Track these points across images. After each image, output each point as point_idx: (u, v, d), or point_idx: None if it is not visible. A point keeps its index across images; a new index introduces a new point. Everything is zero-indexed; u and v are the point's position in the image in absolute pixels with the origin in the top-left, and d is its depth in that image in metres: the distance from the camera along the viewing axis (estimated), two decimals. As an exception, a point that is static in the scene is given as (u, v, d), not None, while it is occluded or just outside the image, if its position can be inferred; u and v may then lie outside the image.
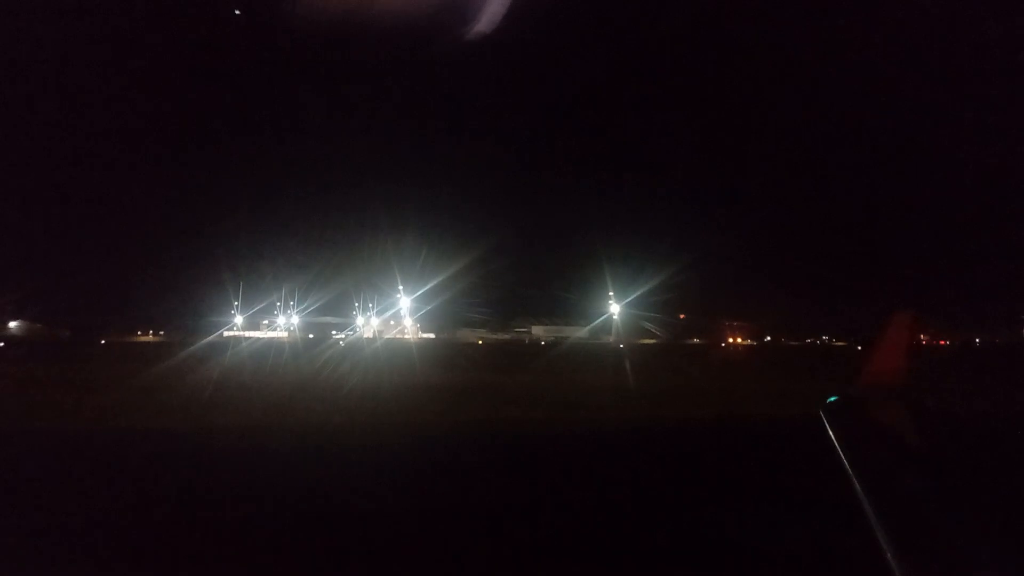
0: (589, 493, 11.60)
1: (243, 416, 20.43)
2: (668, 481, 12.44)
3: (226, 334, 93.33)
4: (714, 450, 15.79)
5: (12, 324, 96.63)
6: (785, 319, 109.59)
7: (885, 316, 5.55)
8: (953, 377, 27.48)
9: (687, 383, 35.73)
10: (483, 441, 17.12)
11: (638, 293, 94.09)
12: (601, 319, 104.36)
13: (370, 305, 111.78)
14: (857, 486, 3.61)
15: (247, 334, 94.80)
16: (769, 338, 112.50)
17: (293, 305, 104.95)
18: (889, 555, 3.01)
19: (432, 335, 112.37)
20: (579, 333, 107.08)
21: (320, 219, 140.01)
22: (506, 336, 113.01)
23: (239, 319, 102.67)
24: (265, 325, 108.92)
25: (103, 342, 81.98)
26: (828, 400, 5.08)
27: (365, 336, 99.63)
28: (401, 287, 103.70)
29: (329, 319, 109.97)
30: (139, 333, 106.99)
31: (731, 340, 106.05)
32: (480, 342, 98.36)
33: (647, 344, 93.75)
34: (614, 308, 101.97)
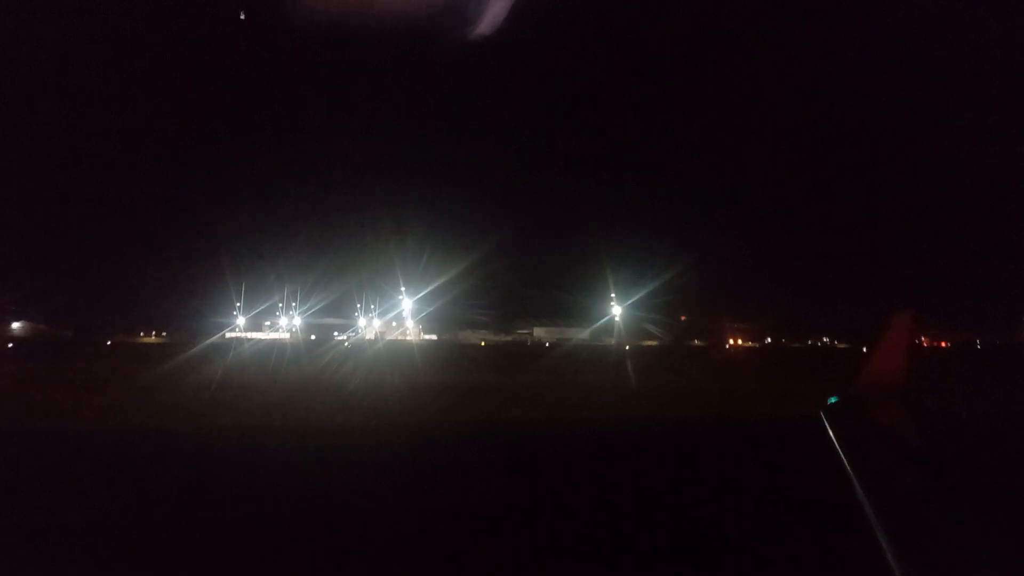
0: (589, 493, 11.60)
1: (244, 416, 20.42)
2: (668, 481, 12.43)
3: (228, 335, 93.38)
4: (714, 450, 15.78)
5: (15, 325, 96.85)
6: (786, 320, 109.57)
7: (885, 316, 5.53)
8: (953, 377, 27.39)
9: (688, 384, 35.69)
10: (483, 441, 17.10)
11: (640, 295, 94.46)
12: (603, 321, 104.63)
13: (372, 306, 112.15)
14: (857, 486, 3.61)
15: (249, 335, 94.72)
16: (770, 339, 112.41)
17: (295, 306, 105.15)
18: (889, 555, 3.01)
19: (434, 337, 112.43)
20: (581, 335, 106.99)
21: (322, 220, 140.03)
22: (508, 338, 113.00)
23: (241, 320, 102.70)
24: (267, 326, 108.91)
25: (106, 343, 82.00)
26: (828, 400, 5.08)
27: (367, 337, 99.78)
28: (403, 288, 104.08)
29: (331, 320, 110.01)
30: (141, 334, 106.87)
31: (732, 341, 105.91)
32: (483, 343, 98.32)
33: (649, 345, 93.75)
34: (616, 310, 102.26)
